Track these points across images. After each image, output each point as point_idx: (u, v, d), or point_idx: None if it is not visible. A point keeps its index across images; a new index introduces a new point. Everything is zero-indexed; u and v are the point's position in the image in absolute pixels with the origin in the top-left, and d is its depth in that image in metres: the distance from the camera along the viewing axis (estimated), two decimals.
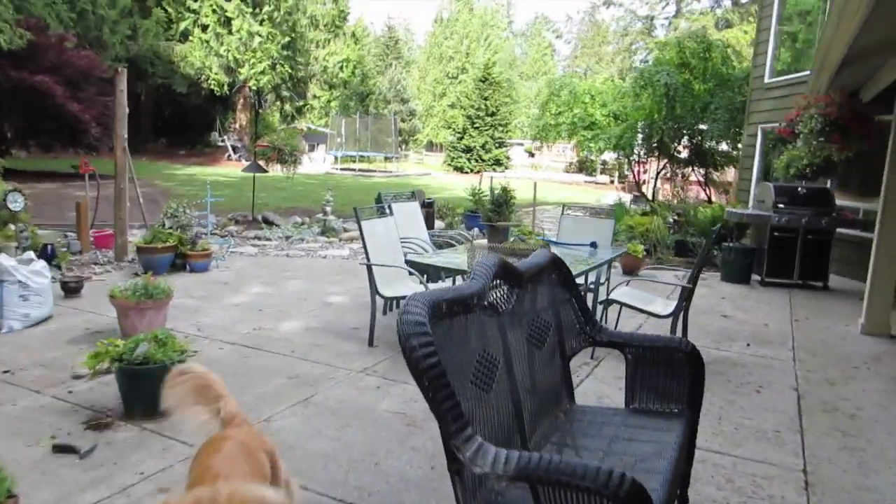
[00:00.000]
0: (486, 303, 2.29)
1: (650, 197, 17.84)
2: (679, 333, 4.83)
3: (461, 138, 37.69)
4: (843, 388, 4.55)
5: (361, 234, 4.75)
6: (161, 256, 7.31)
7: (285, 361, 4.58)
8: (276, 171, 12.06)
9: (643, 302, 4.94)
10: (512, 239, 4.44)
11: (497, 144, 37.59)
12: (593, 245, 5.16)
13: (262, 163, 11.47)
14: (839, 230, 8.37)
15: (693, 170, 17.37)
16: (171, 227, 7.69)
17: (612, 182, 34.15)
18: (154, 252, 7.25)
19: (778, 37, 11.81)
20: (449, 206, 13.19)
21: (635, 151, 17.20)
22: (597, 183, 34.08)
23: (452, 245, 7.73)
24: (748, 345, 5.50)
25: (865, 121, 5.75)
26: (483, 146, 37.11)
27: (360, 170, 32.42)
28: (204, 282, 7.09)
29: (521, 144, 45.05)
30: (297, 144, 11.47)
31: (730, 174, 18.44)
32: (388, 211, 5.26)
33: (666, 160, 17.25)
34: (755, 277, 8.55)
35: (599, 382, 4.44)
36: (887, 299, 6.04)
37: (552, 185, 28.86)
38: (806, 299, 7.62)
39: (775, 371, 4.87)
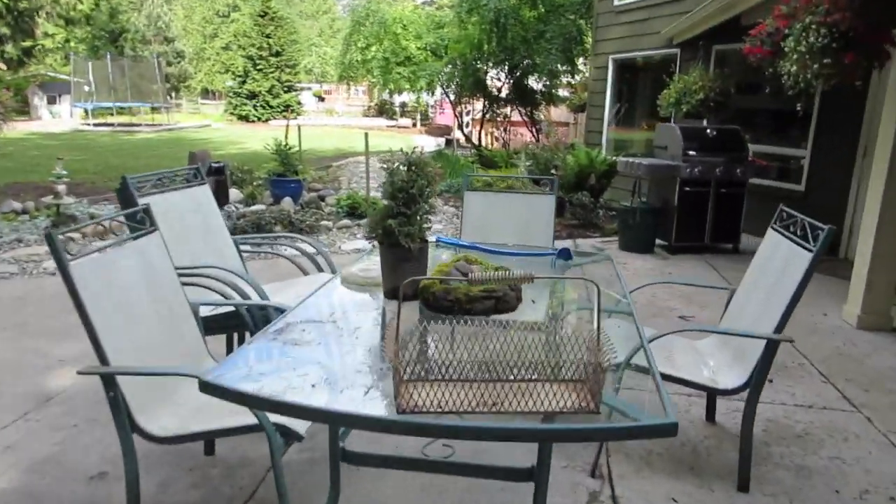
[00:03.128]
0: None
1: (475, 141, 16.00)
2: (738, 415, 2.68)
3: (243, 83, 32.99)
4: None
5: (77, 302, 1.88)
6: None
7: None
8: None
9: (668, 360, 2.70)
10: (449, 261, 1.91)
11: (285, 88, 33.51)
12: (564, 255, 2.81)
13: None
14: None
15: (516, 109, 15.79)
16: None
17: (414, 125, 32.18)
18: None
19: None
20: (245, 169, 10.01)
21: (455, 89, 15.10)
22: (400, 127, 31.86)
23: (265, 240, 4.92)
24: (770, 381, 3.58)
25: (884, 35, 4.01)
26: (270, 91, 32.85)
27: (120, 124, 26.72)
28: None
29: (309, 89, 41.17)
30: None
31: (553, 114, 17.19)
32: (143, 221, 2.37)
33: (486, 99, 15.43)
34: (659, 242, 6.86)
35: None
36: (889, 286, 4.52)
37: (355, 132, 26.05)
38: (736, 271, 6.02)
39: (862, 441, 2.97)
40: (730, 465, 2.71)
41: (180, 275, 2.44)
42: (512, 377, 1.55)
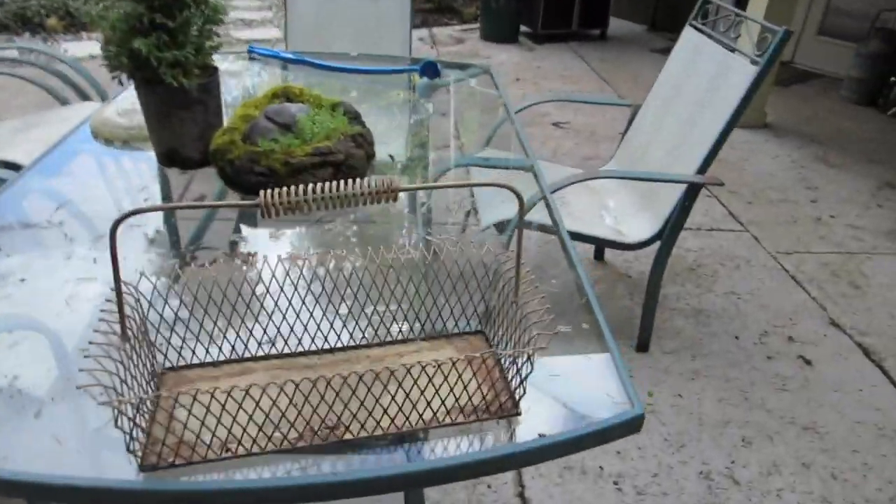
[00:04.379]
0: None
1: None
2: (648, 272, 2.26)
3: None
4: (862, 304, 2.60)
5: None
6: None
7: None
8: None
9: (563, 206, 2.14)
10: (260, 95, 1.18)
11: None
12: (429, 70, 2.01)
13: None
14: None
15: None
16: None
17: None
18: None
19: None
20: None
21: None
22: None
23: None
24: None
25: None
26: None
27: None
28: None
29: None
30: None
31: None
32: None
33: None
34: (524, 30, 6.11)
35: None
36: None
37: None
38: (606, 63, 5.50)
39: (754, 269, 2.71)
40: (625, 316, 2.34)
41: None
42: (363, 337, 0.88)
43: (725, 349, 2.22)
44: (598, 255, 2.67)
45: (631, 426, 0.83)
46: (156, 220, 1.26)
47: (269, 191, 0.67)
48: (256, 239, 1.27)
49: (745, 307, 2.46)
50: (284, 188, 0.67)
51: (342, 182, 0.69)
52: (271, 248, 1.22)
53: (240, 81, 2.05)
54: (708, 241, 2.90)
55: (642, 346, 2.15)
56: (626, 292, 2.47)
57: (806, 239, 2.96)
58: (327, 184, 0.68)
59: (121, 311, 0.71)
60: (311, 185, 0.68)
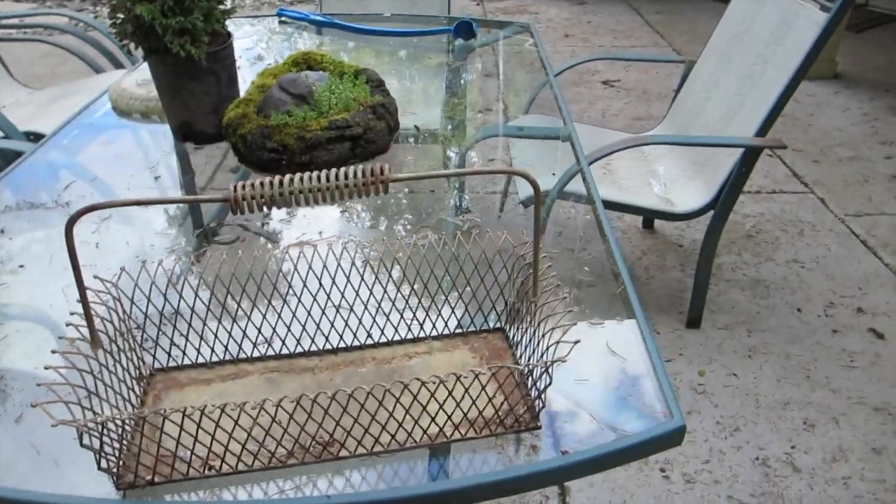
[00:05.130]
0: None
1: None
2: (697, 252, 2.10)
3: None
4: None
5: None
6: None
7: None
8: None
9: (608, 174, 1.99)
10: (281, 63, 1.13)
11: None
12: (463, 31, 1.86)
13: None
14: None
15: None
16: None
17: None
18: None
19: None
20: None
21: None
22: None
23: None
24: None
25: None
26: None
27: None
28: None
29: None
30: None
31: None
32: None
33: None
34: None
35: None
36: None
37: None
38: (662, 15, 5.18)
39: (819, 234, 2.50)
40: (675, 289, 2.20)
41: None
42: (368, 336, 0.80)
43: (786, 323, 2.06)
44: (647, 224, 2.51)
45: (670, 440, 0.72)
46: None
47: (240, 183, 0.58)
48: (282, 215, 1.18)
49: (808, 276, 2.27)
50: (258, 180, 0.58)
51: (324, 172, 0.59)
52: (298, 224, 1.14)
53: (270, 47, 1.96)
54: (768, 204, 2.69)
55: (693, 322, 2.01)
56: (676, 263, 2.32)
57: (879, 199, 2.73)
58: (307, 175, 0.59)
59: (87, 315, 0.64)
60: (287, 177, 0.58)
